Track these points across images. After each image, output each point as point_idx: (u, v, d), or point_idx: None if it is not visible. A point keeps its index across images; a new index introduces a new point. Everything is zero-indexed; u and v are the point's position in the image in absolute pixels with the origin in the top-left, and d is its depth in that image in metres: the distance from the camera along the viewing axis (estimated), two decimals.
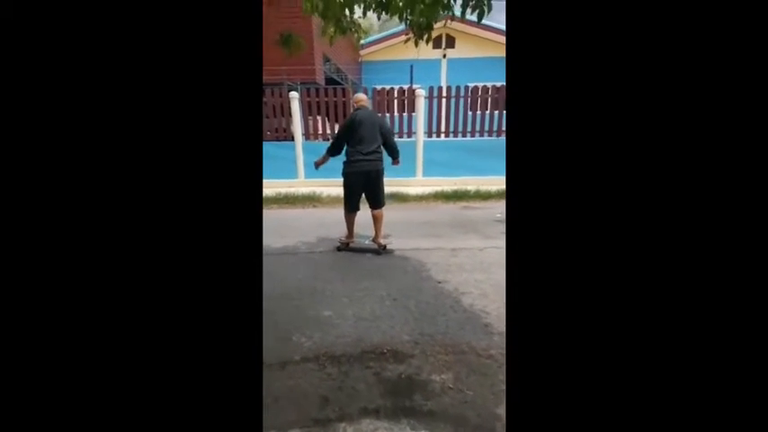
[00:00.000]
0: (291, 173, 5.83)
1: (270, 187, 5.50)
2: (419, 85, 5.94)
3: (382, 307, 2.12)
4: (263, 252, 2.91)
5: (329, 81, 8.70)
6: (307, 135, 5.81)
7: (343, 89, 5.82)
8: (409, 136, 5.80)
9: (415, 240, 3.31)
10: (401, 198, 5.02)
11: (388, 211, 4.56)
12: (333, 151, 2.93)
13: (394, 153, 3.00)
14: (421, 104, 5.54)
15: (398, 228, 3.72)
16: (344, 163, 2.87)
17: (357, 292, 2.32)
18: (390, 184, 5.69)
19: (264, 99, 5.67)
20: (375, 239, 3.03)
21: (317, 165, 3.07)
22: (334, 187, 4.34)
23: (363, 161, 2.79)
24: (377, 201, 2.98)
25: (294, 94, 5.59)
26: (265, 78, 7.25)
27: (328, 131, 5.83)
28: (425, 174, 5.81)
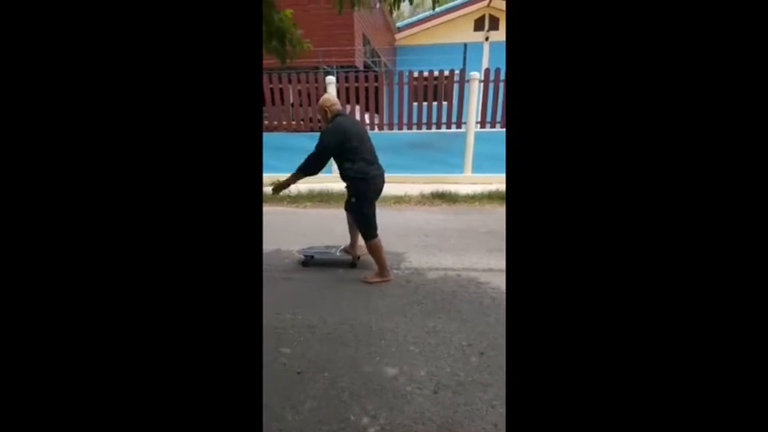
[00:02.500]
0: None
1: (303, 183, 5.04)
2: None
3: (467, 365, 1.56)
4: (302, 269, 2.45)
5: (364, 66, 8.06)
6: None
7: (377, 74, 5.22)
8: (458, 126, 5.13)
9: (482, 257, 2.70)
10: (449, 198, 4.38)
11: (435, 215, 4.01)
12: (313, 169, 2.17)
13: None
14: (475, 90, 4.84)
15: (454, 238, 3.11)
16: (360, 181, 2.19)
17: (426, 336, 1.76)
18: (435, 182, 5.11)
19: (299, 86, 5.17)
20: (351, 249, 2.57)
21: (280, 189, 2.33)
22: None
23: (378, 174, 2.25)
24: None
25: (331, 79, 5.03)
26: (298, 62, 6.76)
27: (367, 121, 5.24)
28: (475, 170, 5.14)
